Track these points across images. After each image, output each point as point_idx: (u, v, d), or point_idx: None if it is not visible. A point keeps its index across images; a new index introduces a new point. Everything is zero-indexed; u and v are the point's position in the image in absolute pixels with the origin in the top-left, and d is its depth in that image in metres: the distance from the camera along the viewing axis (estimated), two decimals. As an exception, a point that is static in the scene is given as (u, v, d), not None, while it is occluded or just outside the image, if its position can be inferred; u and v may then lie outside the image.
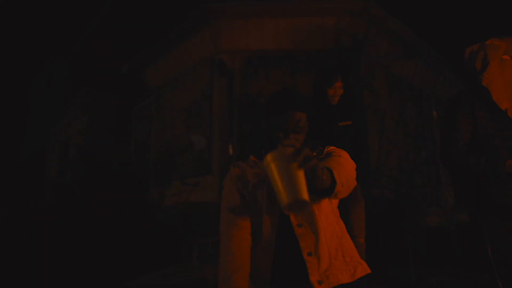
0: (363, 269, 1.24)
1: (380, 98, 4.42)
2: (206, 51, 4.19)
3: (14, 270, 4.01)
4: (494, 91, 1.67)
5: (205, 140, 3.87)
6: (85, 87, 6.59)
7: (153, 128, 5.07)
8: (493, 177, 1.60)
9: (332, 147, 1.37)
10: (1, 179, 8.54)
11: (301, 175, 0.97)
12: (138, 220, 4.27)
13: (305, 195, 0.95)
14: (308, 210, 1.18)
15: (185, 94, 4.52)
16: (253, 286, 1.23)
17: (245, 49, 4.04)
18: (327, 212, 1.24)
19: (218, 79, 3.99)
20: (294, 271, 1.18)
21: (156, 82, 5.10)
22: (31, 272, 4.09)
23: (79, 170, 6.27)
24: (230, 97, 3.92)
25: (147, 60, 4.89)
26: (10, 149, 9.26)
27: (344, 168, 1.18)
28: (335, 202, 1.31)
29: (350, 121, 2.48)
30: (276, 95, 1.39)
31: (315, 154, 1.37)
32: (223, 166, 3.67)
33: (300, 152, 0.98)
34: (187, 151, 4.27)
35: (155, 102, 5.13)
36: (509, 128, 1.63)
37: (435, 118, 5.77)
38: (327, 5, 4.01)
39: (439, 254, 4.19)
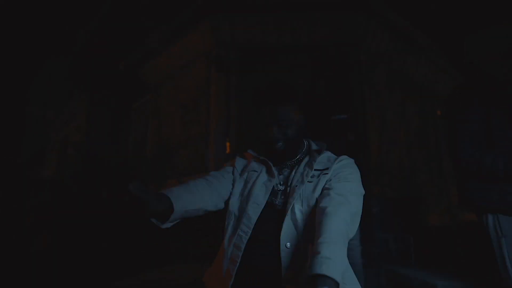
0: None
1: (381, 94, 4.34)
2: (204, 46, 4.12)
3: (13, 269, 3.99)
4: None
5: None
6: (84, 85, 6.56)
7: (151, 125, 5.01)
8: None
9: (343, 163, 1.29)
10: (0, 179, 8.54)
11: None
12: (135, 219, 4.21)
13: None
14: None
15: (182, 91, 4.46)
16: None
17: (244, 44, 3.97)
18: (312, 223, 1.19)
19: (215, 75, 3.92)
20: (267, 261, 1.17)
21: (154, 79, 5.05)
22: (30, 271, 4.07)
23: (77, 168, 6.23)
24: (227, 93, 3.84)
25: (145, 56, 4.83)
26: (10, 149, 9.26)
27: (343, 248, 1.06)
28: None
29: (345, 115, 2.39)
30: (264, 88, 1.34)
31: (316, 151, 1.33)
32: (219, 164, 3.60)
33: None
34: (183, 148, 4.20)
35: (153, 99, 5.08)
36: None
37: (438, 116, 5.68)
38: (327, -2, 3.95)
39: (441, 254, 4.10)
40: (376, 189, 4.05)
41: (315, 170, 1.27)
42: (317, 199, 1.20)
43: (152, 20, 5.01)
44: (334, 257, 0.98)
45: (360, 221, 2.50)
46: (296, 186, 1.24)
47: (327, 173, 1.26)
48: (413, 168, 4.84)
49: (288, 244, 1.15)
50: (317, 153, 1.33)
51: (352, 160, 1.32)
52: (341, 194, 1.16)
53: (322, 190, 1.22)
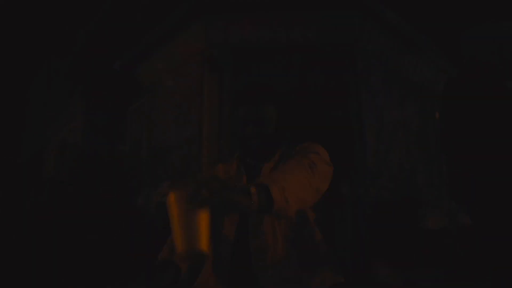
0: (318, 282, 1.18)
1: (378, 94, 4.27)
2: (197, 46, 4.08)
3: (13, 270, 4.00)
4: None
5: None
6: (82, 86, 6.56)
7: (146, 126, 4.99)
8: None
9: (306, 144, 1.32)
10: (0, 179, 8.59)
11: (202, 220, 0.84)
12: (128, 222, 4.21)
13: (202, 245, 0.83)
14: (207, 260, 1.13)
15: (176, 91, 4.44)
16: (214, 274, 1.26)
17: (237, 44, 3.93)
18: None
19: (208, 75, 3.88)
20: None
21: (149, 79, 5.03)
22: (30, 272, 4.07)
23: (75, 169, 6.24)
24: (220, 93, 3.81)
25: (139, 56, 4.82)
26: (10, 149, 9.31)
27: (296, 178, 1.05)
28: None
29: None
30: (243, 89, 1.41)
31: (279, 153, 1.36)
32: (213, 165, 3.56)
33: (197, 192, 0.84)
34: (178, 149, 4.18)
35: (148, 100, 5.06)
36: None
37: (437, 118, 5.60)
38: (322, -4, 3.89)
39: (440, 257, 4.05)
40: (373, 191, 4.00)
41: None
42: None
43: (148, 20, 5.00)
44: (275, 175, 1.02)
45: (351, 224, 2.42)
46: (257, 173, 1.31)
47: (287, 154, 1.32)
48: (413, 169, 4.78)
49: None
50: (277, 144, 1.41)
51: (317, 143, 1.34)
52: (300, 154, 1.22)
53: None
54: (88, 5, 7.38)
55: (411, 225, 4.15)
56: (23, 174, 8.85)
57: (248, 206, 0.91)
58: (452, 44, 4.90)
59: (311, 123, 3.72)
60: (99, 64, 6.53)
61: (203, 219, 0.87)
